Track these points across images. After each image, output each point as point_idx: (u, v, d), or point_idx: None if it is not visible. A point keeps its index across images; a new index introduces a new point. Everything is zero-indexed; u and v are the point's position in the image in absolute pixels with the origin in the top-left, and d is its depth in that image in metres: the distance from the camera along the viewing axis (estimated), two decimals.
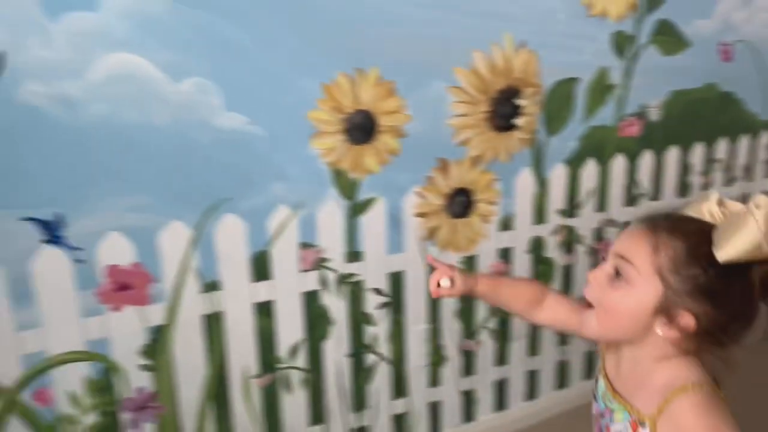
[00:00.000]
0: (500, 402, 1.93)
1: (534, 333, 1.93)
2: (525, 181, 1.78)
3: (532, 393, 1.98)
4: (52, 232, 1.24)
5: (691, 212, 0.85)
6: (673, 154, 2.02)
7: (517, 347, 1.90)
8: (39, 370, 1.29)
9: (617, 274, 0.84)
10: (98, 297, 1.31)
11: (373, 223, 1.58)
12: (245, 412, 1.53)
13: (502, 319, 1.84)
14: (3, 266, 1.21)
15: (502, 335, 1.87)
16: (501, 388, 1.92)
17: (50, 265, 1.25)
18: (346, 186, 1.52)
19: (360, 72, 1.46)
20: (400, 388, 1.74)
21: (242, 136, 1.37)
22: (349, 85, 1.46)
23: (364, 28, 1.44)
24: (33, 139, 1.19)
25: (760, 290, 0.79)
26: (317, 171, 1.48)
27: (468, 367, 1.84)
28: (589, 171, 1.88)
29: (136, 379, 1.39)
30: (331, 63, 1.43)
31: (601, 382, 0.94)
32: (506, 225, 1.78)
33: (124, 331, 1.35)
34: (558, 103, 1.76)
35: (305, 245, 1.51)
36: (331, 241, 1.54)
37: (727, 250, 0.77)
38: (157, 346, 1.39)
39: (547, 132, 1.77)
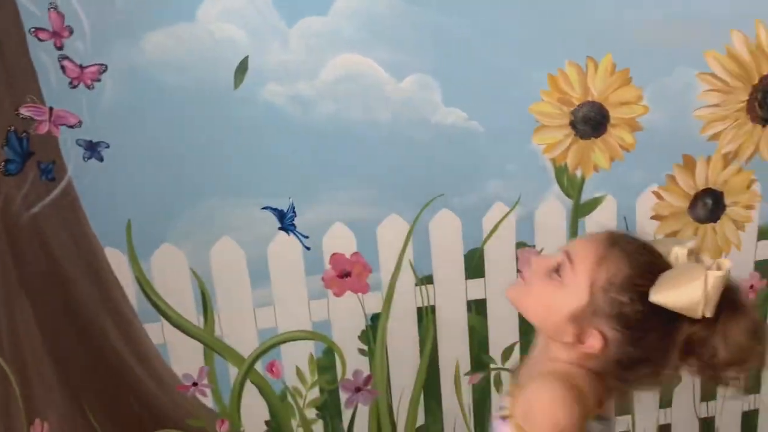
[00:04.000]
0: None
1: None
2: None
3: None
4: (286, 221, 1.35)
5: (661, 247, 0.82)
6: None
7: None
8: (271, 344, 1.42)
9: (556, 270, 0.82)
10: (323, 282, 1.40)
11: (599, 225, 1.45)
12: (456, 407, 1.53)
13: None
14: (245, 249, 1.35)
15: None
16: None
17: (283, 251, 1.37)
18: (571, 183, 1.43)
19: (591, 60, 1.34)
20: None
21: (460, 131, 1.35)
22: (578, 75, 1.35)
23: (596, 11, 1.32)
24: (273, 136, 1.30)
25: (680, 349, 0.77)
26: (538, 168, 1.40)
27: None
28: None
29: (354, 362, 1.47)
30: (559, 52, 1.34)
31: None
32: (767, 234, 1.52)
33: (345, 315, 1.43)
34: None
35: (523, 245, 1.45)
36: (552, 242, 1.46)
37: (662, 293, 0.75)
38: (373, 333, 1.46)
39: None
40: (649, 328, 0.78)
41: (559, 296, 0.82)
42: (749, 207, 1.50)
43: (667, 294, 0.75)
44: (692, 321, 0.76)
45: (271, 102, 1.28)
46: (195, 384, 1.42)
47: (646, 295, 0.77)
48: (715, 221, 1.50)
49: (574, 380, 0.80)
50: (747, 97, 1.41)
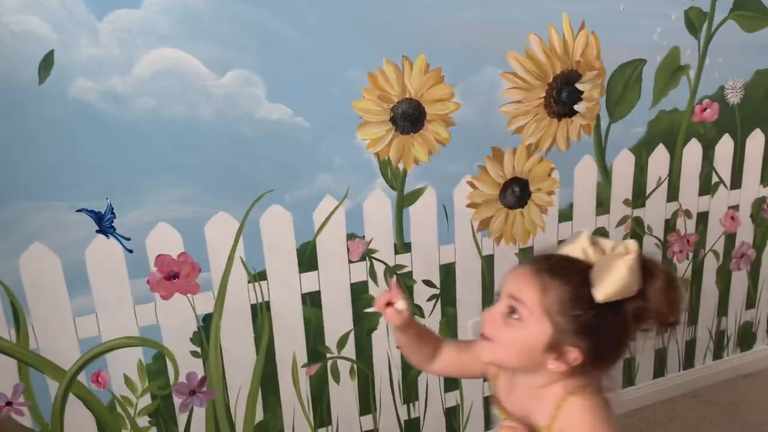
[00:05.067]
0: None
1: None
2: (586, 169, 1.69)
3: None
4: (104, 223, 1.29)
5: (568, 251, 0.91)
6: (756, 140, 1.86)
7: None
8: (95, 354, 1.35)
9: (511, 312, 0.90)
10: (149, 285, 1.35)
11: (422, 214, 1.55)
12: (294, 399, 1.56)
13: None
14: (59, 255, 1.27)
15: None
16: None
17: (103, 254, 1.30)
18: (394, 176, 1.50)
19: (406, 59, 1.42)
20: (453, 381, 1.71)
21: (286, 127, 1.37)
22: (396, 73, 1.42)
23: (410, 14, 1.40)
24: (85, 134, 1.24)
25: (632, 320, 0.88)
26: (364, 161, 1.46)
27: None
28: (659, 158, 1.76)
29: (187, 365, 1.44)
30: (376, 52, 1.40)
31: (497, 412, 1.01)
32: (566, 216, 1.71)
33: (175, 318, 1.39)
34: (623, 87, 1.66)
35: (353, 236, 1.50)
36: (379, 232, 1.53)
37: (603, 292, 0.85)
38: (206, 333, 1.43)
39: (610, 118, 1.67)
40: (607, 322, 0.88)
41: (525, 335, 0.89)
42: (551, 193, 1.67)
43: (605, 290, 0.85)
44: (630, 298, 0.87)
45: (82, 98, 1.21)
46: (9, 403, 1.31)
47: (591, 298, 0.86)
48: (522, 207, 1.65)
49: (587, 386, 0.90)
50: (544, 94, 1.57)
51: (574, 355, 0.88)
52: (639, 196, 1.78)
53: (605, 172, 1.72)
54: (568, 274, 0.89)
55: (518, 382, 0.97)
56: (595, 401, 0.90)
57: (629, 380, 1.96)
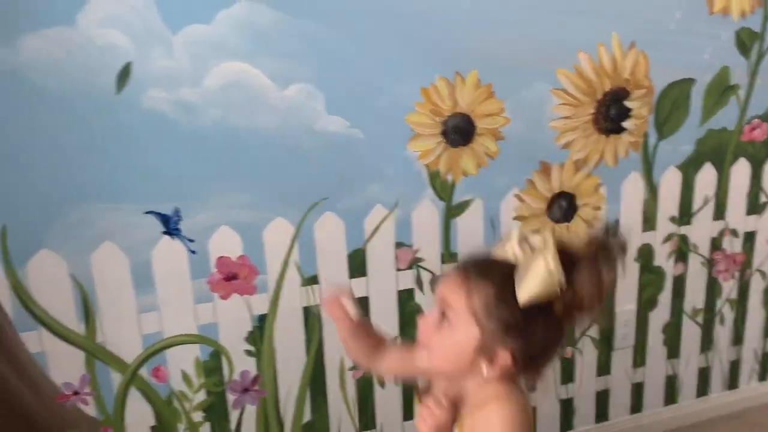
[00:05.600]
0: (601, 413, 1.87)
1: (641, 342, 1.86)
2: (633, 185, 1.71)
3: (637, 406, 1.91)
4: (170, 225, 1.36)
5: (499, 252, 0.89)
6: None
7: (621, 356, 1.84)
8: (156, 349, 1.43)
9: (443, 318, 0.89)
10: (209, 285, 1.42)
11: (469, 225, 1.59)
12: (341, 401, 1.60)
13: (607, 327, 1.79)
14: (128, 254, 1.35)
15: (605, 343, 1.81)
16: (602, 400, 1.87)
17: (168, 255, 1.38)
18: (443, 187, 1.55)
19: (459, 76, 1.47)
20: None
21: (342, 138, 1.43)
22: (448, 89, 1.48)
23: (462, 32, 1.45)
24: (156, 141, 1.32)
25: (561, 317, 0.86)
26: (414, 173, 1.51)
27: (568, 375, 1.80)
28: (706, 176, 1.77)
29: (241, 363, 1.50)
30: (430, 67, 1.45)
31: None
32: None
33: (231, 317, 1.46)
34: (671, 106, 1.68)
35: (401, 245, 1.55)
36: (427, 242, 1.57)
37: (525, 293, 0.83)
38: (260, 334, 1.49)
39: (658, 135, 1.69)
40: (535, 323, 0.85)
41: (454, 338, 0.87)
42: (597, 208, 1.69)
43: (528, 291, 0.83)
44: (557, 296, 0.84)
45: (154, 107, 1.29)
46: (76, 393, 1.39)
47: (515, 299, 0.84)
48: (569, 221, 1.67)
49: (513, 397, 0.88)
50: (593, 111, 1.61)
51: (503, 357, 0.86)
52: (685, 214, 1.79)
53: (652, 189, 1.73)
54: (493, 276, 0.86)
55: (453, 387, 0.94)
56: (512, 414, 0.87)
57: (671, 398, 1.96)
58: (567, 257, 0.84)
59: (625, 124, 1.64)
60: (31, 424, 1.38)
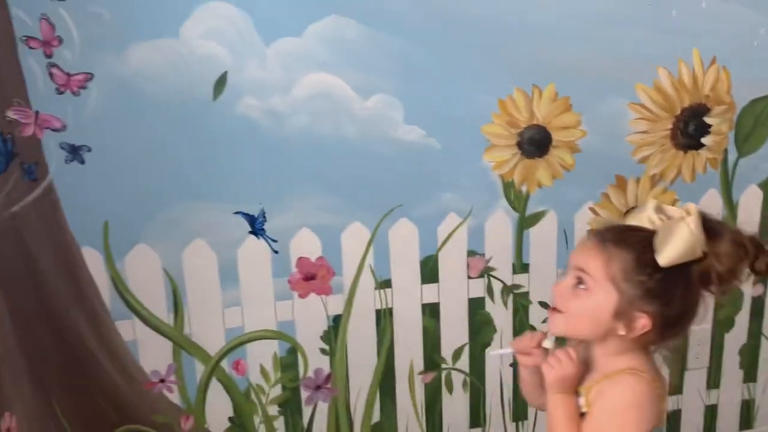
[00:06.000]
0: None
1: (716, 363, 1.81)
2: (711, 202, 1.68)
3: (710, 429, 1.86)
4: (256, 225, 1.44)
5: (633, 221, 0.96)
6: None
7: (695, 377, 1.80)
8: (238, 343, 1.50)
9: (578, 283, 0.94)
10: (289, 284, 1.50)
11: (541, 236, 1.61)
12: (409, 405, 1.64)
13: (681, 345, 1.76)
14: (216, 251, 1.44)
15: (678, 362, 1.78)
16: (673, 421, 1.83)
17: (252, 253, 1.46)
18: (517, 198, 1.57)
19: (536, 88, 1.50)
20: None
21: (419, 147, 1.48)
22: (525, 101, 1.51)
23: (540, 46, 1.48)
24: (247, 145, 1.40)
25: (698, 284, 0.91)
26: (488, 182, 1.54)
27: None
28: None
29: (316, 361, 1.56)
30: (507, 80, 1.49)
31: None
32: None
33: (308, 316, 1.53)
34: (753, 122, 1.65)
35: (473, 253, 1.59)
36: (499, 251, 1.60)
37: (666, 255, 0.88)
38: (334, 333, 1.55)
39: (738, 152, 1.66)
40: (673, 286, 0.90)
41: (593, 303, 0.93)
42: None
43: (669, 254, 0.88)
44: (695, 261, 0.90)
45: (247, 114, 1.38)
46: (162, 380, 1.48)
47: (655, 264, 0.89)
48: None
49: (645, 371, 0.93)
50: (671, 126, 1.60)
51: (642, 321, 0.91)
52: (766, 233, 1.74)
53: (731, 207, 1.70)
54: (631, 242, 0.92)
55: (589, 351, 0.99)
56: (645, 389, 0.92)
57: (747, 424, 1.90)
58: (709, 225, 0.90)
59: (704, 140, 1.62)
60: (122, 409, 1.48)
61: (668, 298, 0.91)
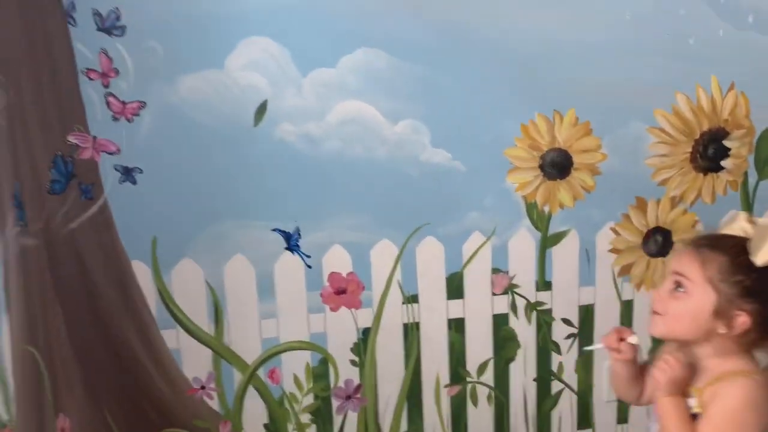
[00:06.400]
0: None
1: None
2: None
3: None
4: (292, 242, 1.54)
5: (726, 231, 1.02)
6: None
7: None
8: (273, 353, 1.60)
9: (677, 287, 1.00)
10: (321, 297, 1.59)
11: (564, 255, 1.67)
12: (435, 416, 1.70)
13: None
14: (254, 265, 1.54)
15: None
16: None
17: (288, 268, 1.56)
18: (539, 218, 1.64)
19: (557, 113, 1.58)
20: (585, 419, 1.78)
21: (445, 169, 1.57)
22: (547, 125, 1.58)
23: (562, 72, 1.56)
24: (284, 167, 1.51)
25: None
26: (512, 203, 1.62)
27: None
28: None
29: (346, 372, 1.64)
30: (529, 106, 1.57)
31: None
32: None
33: (339, 328, 1.61)
34: None
35: (497, 271, 1.65)
36: (523, 269, 1.66)
37: (762, 255, 0.94)
38: (364, 345, 1.63)
39: (758, 175, 1.70)
40: None
41: (692, 304, 0.98)
42: None
43: (764, 252, 0.94)
44: None
45: (284, 139, 1.49)
46: (203, 387, 1.58)
47: (751, 264, 0.95)
48: (664, 256, 1.71)
49: (756, 374, 0.98)
50: (690, 150, 1.65)
51: (742, 318, 0.96)
52: None
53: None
54: (725, 246, 0.98)
55: (688, 353, 1.02)
56: (759, 391, 0.96)
57: None
58: None
59: (724, 163, 1.67)
60: (166, 414, 1.58)
61: (765, 295, 0.95)
